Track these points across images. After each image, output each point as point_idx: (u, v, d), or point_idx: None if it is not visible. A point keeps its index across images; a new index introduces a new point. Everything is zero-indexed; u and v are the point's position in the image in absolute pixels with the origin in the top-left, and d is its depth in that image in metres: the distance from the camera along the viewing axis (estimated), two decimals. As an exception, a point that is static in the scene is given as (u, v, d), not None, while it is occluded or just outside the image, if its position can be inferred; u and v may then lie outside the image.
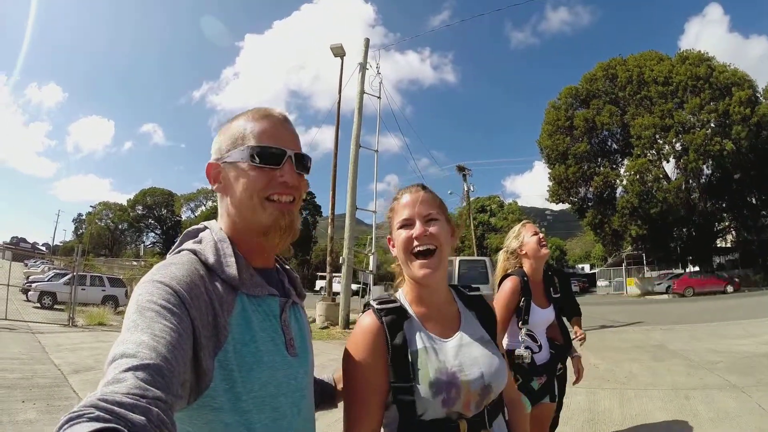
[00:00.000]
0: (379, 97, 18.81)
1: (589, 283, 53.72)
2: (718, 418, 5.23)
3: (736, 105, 31.81)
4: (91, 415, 0.57)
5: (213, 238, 1.07)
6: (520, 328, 2.83)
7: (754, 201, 36.17)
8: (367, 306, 1.42)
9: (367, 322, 1.35)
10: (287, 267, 1.26)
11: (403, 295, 1.46)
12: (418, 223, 1.37)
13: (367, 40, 19.09)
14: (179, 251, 1.06)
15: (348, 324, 15.75)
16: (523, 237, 3.02)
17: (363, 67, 18.46)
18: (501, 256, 3.17)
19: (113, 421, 0.58)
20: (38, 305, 20.37)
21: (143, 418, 0.61)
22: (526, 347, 2.81)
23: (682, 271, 39.61)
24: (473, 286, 1.60)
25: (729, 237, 40.23)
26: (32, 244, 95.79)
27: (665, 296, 33.17)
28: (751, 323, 12.72)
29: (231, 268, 1.02)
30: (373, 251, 17.71)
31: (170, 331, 0.79)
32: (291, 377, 1.06)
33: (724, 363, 8.03)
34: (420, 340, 1.33)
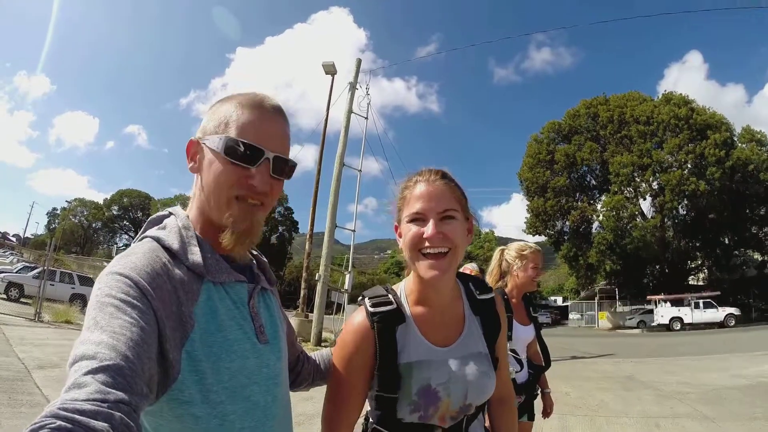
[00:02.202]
0: (366, 118, 18.74)
1: (561, 315, 53.96)
2: (688, 446, 5.27)
3: (711, 147, 32.66)
4: (53, 425, 0.56)
5: (177, 224, 1.03)
6: None
7: (726, 241, 36.92)
8: (362, 300, 1.34)
9: (358, 323, 1.28)
10: (256, 252, 1.22)
11: (405, 291, 1.35)
12: (431, 222, 1.22)
13: (359, 61, 19.19)
14: (142, 239, 1.02)
15: (320, 341, 15.55)
16: (526, 263, 2.94)
17: (353, 87, 18.49)
18: (496, 257, 3.11)
19: (75, 430, 0.57)
20: (4, 296, 19.88)
21: (106, 424, 0.60)
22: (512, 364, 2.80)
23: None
24: (487, 285, 1.48)
25: (701, 275, 40.84)
26: (2, 233, 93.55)
27: (636, 330, 33.57)
28: (720, 358, 12.95)
29: (195, 255, 0.98)
30: (349, 270, 17.61)
31: (131, 326, 0.76)
32: (263, 365, 1.03)
33: (694, 394, 8.13)
34: (411, 352, 1.26)
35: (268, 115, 1.05)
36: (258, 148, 1.01)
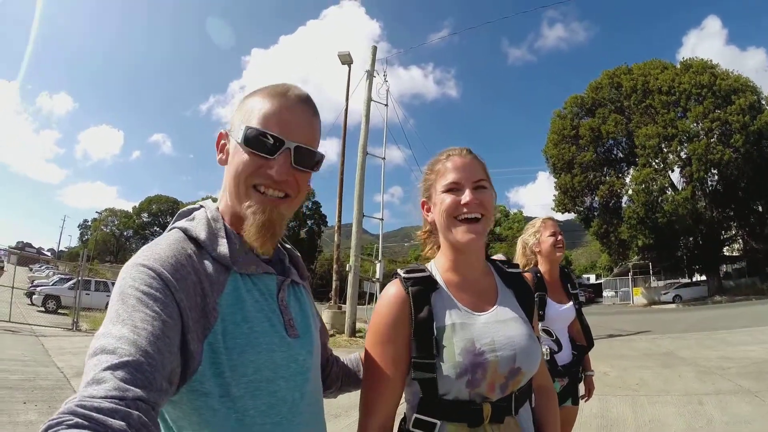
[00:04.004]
0: (386, 105, 18.81)
1: (595, 293, 53.40)
2: (733, 423, 5.17)
3: (735, 113, 31.70)
4: (70, 422, 0.56)
5: (206, 216, 1.03)
6: None
7: (760, 209, 35.76)
8: (395, 274, 1.34)
9: (391, 291, 1.28)
10: (288, 246, 1.20)
11: (435, 266, 1.38)
12: (467, 190, 1.29)
13: (375, 48, 19.18)
14: (170, 230, 1.01)
15: (354, 332, 15.65)
16: (541, 235, 2.95)
17: (371, 75, 18.53)
18: (519, 247, 3.10)
19: (91, 428, 0.56)
20: (42, 309, 20.44)
21: (123, 423, 0.59)
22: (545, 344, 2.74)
23: (689, 281, 39.40)
24: (513, 262, 1.52)
25: (736, 245, 39.78)
26: (37, 249, 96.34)
27: (672, 305, 33.03)
28: (759, 330, 12.65)
29: (222, 246, 0.97)
30: (380, 259, 17.64)
31: (153, 320, 0.76)
32: (291, 359, 1.00)
33: (735, 369, 7.96)
34: (449, 316, 1.25)
35: (291, 105, 1.03)
36: (277, 137, 0.99)
